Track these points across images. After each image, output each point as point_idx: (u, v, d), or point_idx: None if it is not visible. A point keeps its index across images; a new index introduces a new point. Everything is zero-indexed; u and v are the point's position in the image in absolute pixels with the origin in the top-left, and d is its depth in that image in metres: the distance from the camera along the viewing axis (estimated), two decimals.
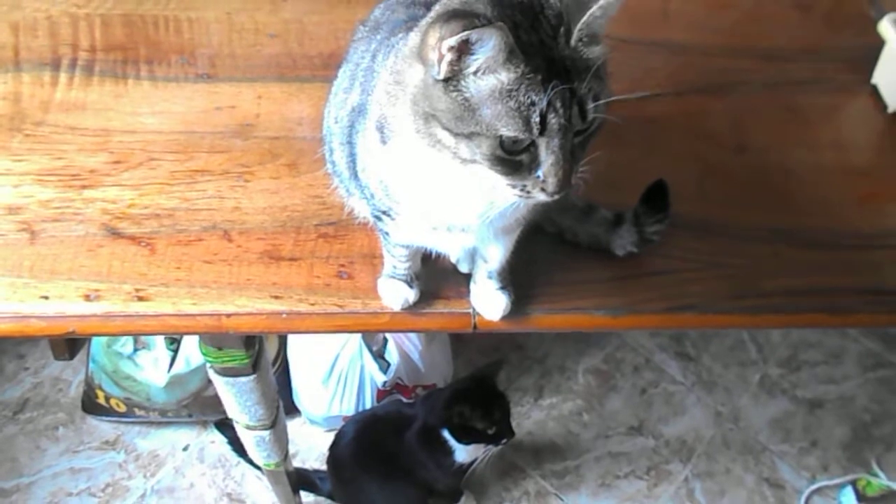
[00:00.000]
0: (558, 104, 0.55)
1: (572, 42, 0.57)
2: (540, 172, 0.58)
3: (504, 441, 1.42)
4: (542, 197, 0.59)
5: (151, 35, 1.11)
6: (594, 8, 0.56)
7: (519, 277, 0.84)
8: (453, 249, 0.81)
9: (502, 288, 0.82)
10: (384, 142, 0.66)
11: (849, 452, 1.83)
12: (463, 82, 0.57)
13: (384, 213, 0.74)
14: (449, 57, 0.55)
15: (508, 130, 0.56)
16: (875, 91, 1.10)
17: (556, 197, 0.59)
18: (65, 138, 0.97)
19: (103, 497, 1.67)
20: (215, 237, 0.89)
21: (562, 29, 0.57)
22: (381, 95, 0.66)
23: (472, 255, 0.83)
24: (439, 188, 0.65)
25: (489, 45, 0.54)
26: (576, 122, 0.57)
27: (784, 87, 1.11)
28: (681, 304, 0.87)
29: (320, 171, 0.92)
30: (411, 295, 0.83)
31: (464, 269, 0.86)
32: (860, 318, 0.92)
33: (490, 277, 0.81)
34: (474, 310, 0.85)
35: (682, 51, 1.15)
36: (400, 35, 0.68)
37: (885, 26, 1.07)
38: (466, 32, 0.53)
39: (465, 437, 1.40)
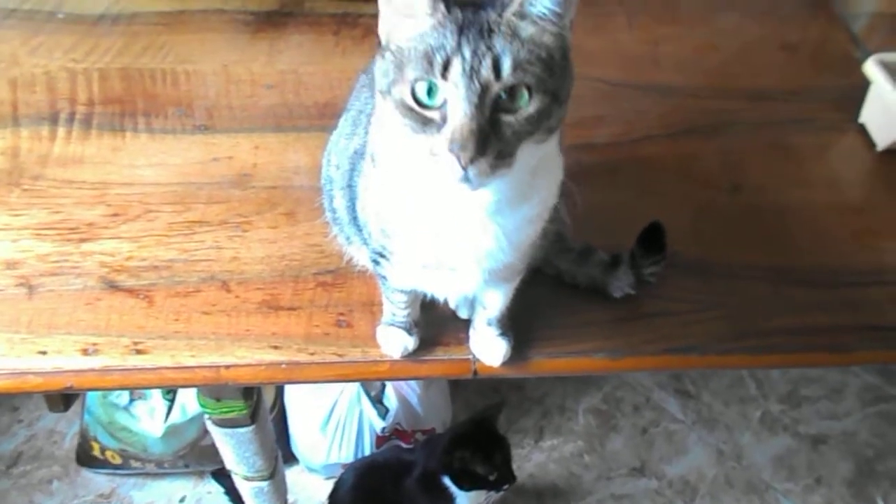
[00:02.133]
0: (467, 52, 0.55)
1: (505, 13, 0.57)
2: (446, 128, 0.56)
3: (505, 487, 1.41)
4: (451, 164, 0.56)
5: (149, 88, 1.12)
6: None
7: (518, 321, 0.84)
8: (451, 295, 0.81)
9: (502, 334, 0.82)
10: (375, 166, 0.68)
11: (854, 489, 1.81)
12: (392, 37, 0.60)
13: (381, 254, 0.74)
14: (383, 11, 0.58)
15: (414, 71, 0.57)
16: (863, 130, 1.11)
17: (468, 170, 0.56)
18: (63, 192, 0.97)
19: None
20: (213, 288, 0.89)
21: (498, 7, 0.58)
22: (371, 126, 0.69)
23: (472, 302, 0.83)
24: (427, 217, 0.66)
25: None
26: (486, 74, 0.55)
27: (773, 127, 1.13)
28: (681, 346, 0.87)
29: (318, 219, 0.93)
30: (411, 342, 0.83)
31: (463, 314, 0.86)
32: (860, 356, 0.92)
33: (490, 324, 0.81)
34: (474, 356, 0.84)
35: (673, 93, 1.17)
36: None
37: (870, 67, 1.09)
38: None
39: (466, 482, 1.38)
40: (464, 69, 0.55)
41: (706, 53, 1.25)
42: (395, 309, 0.81)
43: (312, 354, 0.84)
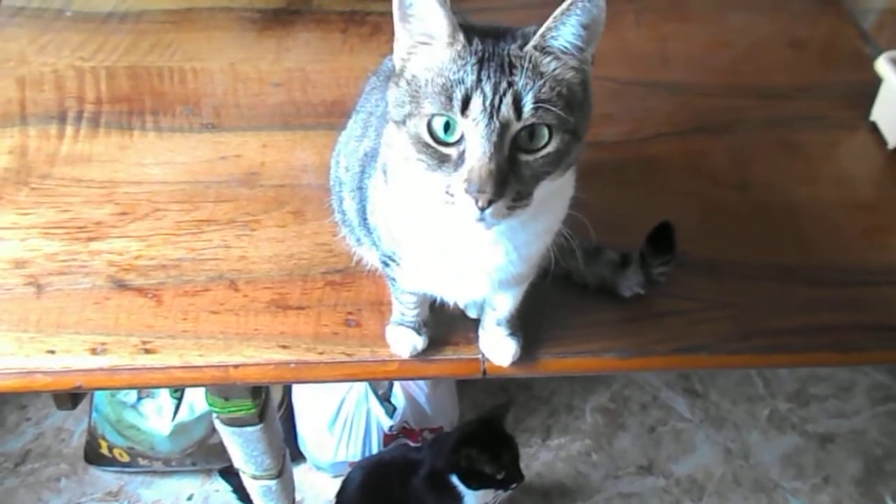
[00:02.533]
0: (488, 88, 0.54)
1: (527, 47, 0.56)
2: (464, 167, 0.55)
3: (513, 485, 1.40)
4: (467, 206, 0.55)
5: (156, 86, 1.12)
6: (549, 20, 0.56)
7: (527, 321, 0.84)
8: (460, 298, 0.81)
9: (511, 334, 0.82)
10: (386, 182, 0.67)
11: (862, 488, 1.80)
12: (408, 65, 0.57)
13: (390, 258, 0.74)
14: (399, 36, 0.56)
15: (432, 106, 0.55)
16: (874, 127, 1.11)
17: (485, 212, 0.55)
18: (71, 191, 0.97)
19: None
20: (222, 287, 0.89)
21: (519, 39, 0.57)
22: (384, 139, 0.67)
23: (481, 302, 0.83)
24: (436, 232, 0.66)
25: (428, 7, 0.55)
26: (507, 113, 0.54)
27: (783, 125, 1.12)
28: (689, 345, 0.87)
29: (327, 219, 0.93)
30: (420, 342, 0.83)
31: (472, 314, 0.86)
32: (870, 356, 0.91)
33: (499, 324, 0.81)
34: (483, 355, 0.84)
35: (682, 91, 1.16)
36: None
37: (882, 64, 1.08)
38: None
39: (474, 481, 1.38)
40: (484, 106, 0.54)
41: (715, 51, 1.25)
42: (404, 309, 0.81)
43: (321, 354, 0.84)
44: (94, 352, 0.82)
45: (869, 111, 1.11)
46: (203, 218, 0.95)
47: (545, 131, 0.56)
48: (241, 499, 1.53)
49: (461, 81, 0.54)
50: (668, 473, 1.81)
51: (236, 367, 0.83)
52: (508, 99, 0.54)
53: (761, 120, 1.13)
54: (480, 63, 0.55)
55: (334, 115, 1.03)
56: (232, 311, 0.87)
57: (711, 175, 1.05)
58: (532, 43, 0.56)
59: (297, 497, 1.56)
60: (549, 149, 0.56)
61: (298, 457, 1.73)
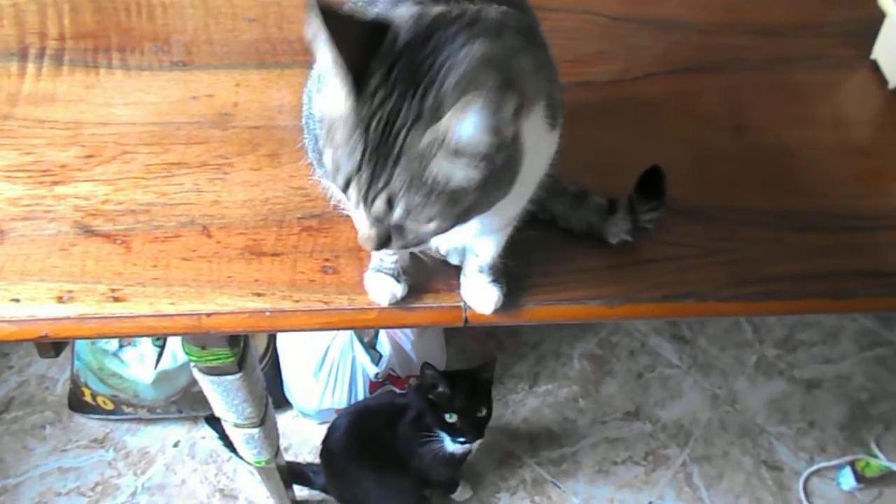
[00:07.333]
0: (364, 178, 0.53)
1: (422, 141, 0.51)
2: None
3: (461, 440, 1.36)
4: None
5: (123, 21, 1.06)
6: (450, 114, 0.49)
7: (510, 268, 0.81)
8: (440, 245, 0.78)
9: (494, 281, 0.79)
10: None
11: (847, 432, 1.82)
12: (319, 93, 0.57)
13: None
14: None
15: (328, 163, 0.56)
16: (875, 66, 1.06)
17: (372, 246, 0.58)
18: (34, 132, 0.93)
19: (93, 496, 1.64)
20: (194, 233, 0.85)
21: (428, 110, 0.51)
22: None
23: (463, 248, 0.80)
24: None
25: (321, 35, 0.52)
26: (380, 209, 0.54)
27: (781, 64, 1.08)
28: (679, 292, 0.84)
29: (302, 161, 0.88)
30: (399, 289, 0.80)
31: (454, 261, 0.83)
32: (862, 303, 0.89)
33: (481, 271, 0.78)
34: (465, 303, 0.81)
35: (676, 28, 1.11)
36: None
37: None
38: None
39: (430, 412, 1.36)
40: (359, 197, 0.54)
41: None
42: (382, 255, 0.78)
43: (297, 302, 0.81)
44: (60, 300, 0.79)
45: (870, 49, 1.07)
46: (174, 161, 0.91)
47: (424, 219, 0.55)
48: (227, 445, 1.52)
49: (345, 164, 0.53)
50: (654, 419, 1.82)
51: (209, 315, 0.80)
52: (383, 196, 0.53)
53: (758, 59, 1.08)
54: (366, 137, 0.52)
55: (311, 53, 0.98)
56: (204, 258, 0.83)
57: (705, 117, 1.01)
58: (429, 137, 0.50)
59: (284, 443, 1.56)
60: (432, 227, 0.55)
61: (284, 403, 1.73)
